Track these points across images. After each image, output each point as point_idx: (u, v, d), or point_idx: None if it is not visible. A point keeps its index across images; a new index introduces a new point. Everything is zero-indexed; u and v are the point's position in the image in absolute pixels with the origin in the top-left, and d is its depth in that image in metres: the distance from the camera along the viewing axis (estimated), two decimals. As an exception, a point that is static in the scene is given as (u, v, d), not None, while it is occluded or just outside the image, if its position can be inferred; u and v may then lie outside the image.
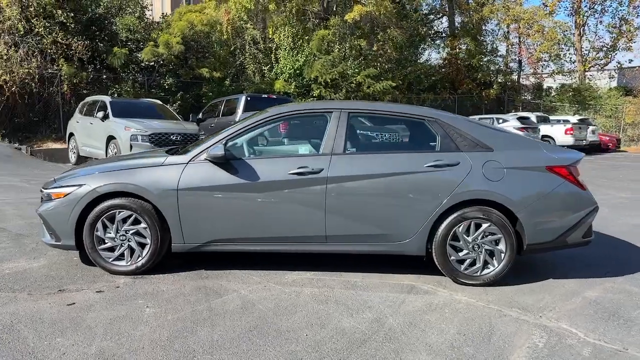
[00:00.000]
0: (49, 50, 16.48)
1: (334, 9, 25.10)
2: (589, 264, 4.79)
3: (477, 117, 20.05)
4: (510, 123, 18.42)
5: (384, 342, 3.03)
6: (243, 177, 4.02)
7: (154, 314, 3.34)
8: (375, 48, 24.50)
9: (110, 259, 4.07)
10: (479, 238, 4.05)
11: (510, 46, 32.43)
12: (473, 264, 4.09)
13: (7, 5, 15.91)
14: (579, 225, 4.11)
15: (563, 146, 9.70)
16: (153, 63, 18.54)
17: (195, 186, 4.01)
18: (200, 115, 13.63)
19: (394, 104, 5.13)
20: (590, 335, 3.22)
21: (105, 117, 11.22)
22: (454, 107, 27.42)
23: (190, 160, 4.08)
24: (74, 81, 16.98)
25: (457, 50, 29.51)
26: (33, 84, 16.27)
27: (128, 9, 19.22)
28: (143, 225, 4.03)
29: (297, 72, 21.41)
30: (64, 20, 16.52)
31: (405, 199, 4.04)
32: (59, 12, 16.48)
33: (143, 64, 18.66)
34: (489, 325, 3.31)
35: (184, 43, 18.35)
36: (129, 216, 4.03)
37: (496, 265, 4.06)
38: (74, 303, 3.48)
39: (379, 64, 24.60)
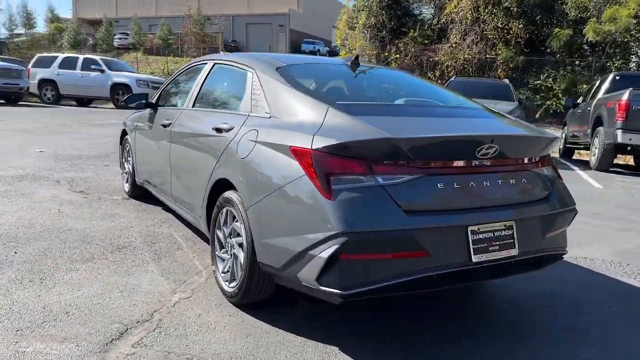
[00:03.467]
0: (490, 36, 17.23)
1: None
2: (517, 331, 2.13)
3: None
4: None
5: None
6: (146, 125, 4.31)
7: (57, 212, 4.37)
8: None
9: (124, 181, 5.21)
10: (229, 235, 2.76)
11: None
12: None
13: (462, -2, 17.64)
14: (306, 258, 2.12)
15: None
16: (601, 44, 16.04)
17: (137, 127, 4.59)
18: (579, 100, 11.59)
19: (252, 53, 3.58)
20: None
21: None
22: None
23: (146, 107, 4.61)
24: (510, 65, 17.11)
25: None
26: (470, 69, 17.58)
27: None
28: (130, 157, 4.94)
29: None
30: (509, 5, 16.75)
31: (193, 165, 3.31)
32: (506, -3, 16.83)
33: (597, 47, 16.43)
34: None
35: (640, 15, 14.90)
36: (128, 149, 5.03)
37: (237, 278, 2.65)
38: (57, 196, 4.92)
39: None
